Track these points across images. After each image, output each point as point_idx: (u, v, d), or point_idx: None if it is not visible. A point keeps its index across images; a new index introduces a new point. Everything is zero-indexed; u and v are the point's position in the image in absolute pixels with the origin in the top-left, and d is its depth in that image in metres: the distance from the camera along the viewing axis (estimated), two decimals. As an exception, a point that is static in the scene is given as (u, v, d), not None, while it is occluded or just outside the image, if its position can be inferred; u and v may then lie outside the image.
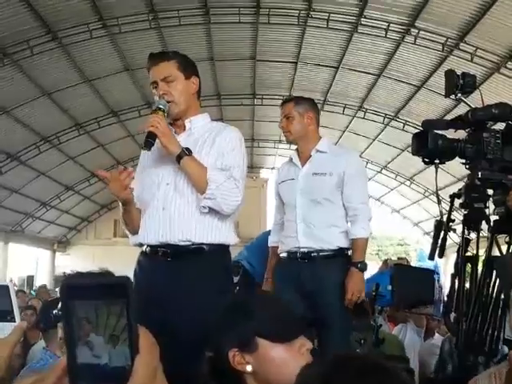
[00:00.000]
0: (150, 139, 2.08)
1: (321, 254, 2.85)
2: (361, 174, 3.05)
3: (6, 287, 0.89)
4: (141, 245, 2.28)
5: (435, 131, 2.42)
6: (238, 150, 2.27)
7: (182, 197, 2.20)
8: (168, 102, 2.20)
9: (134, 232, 2.29)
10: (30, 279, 17.72)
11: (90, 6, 9.83)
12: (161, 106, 2.16)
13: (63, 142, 14.37)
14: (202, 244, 2.19)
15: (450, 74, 2.51)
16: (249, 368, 1.36)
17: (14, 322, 0.88)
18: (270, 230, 3.53)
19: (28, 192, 16.07)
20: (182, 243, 2.17)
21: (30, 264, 20.61)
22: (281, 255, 3.01)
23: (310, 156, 2.97)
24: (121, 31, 10.67)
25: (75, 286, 0.54)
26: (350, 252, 2.93)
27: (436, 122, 2.71)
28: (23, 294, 8.97)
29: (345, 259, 2.90)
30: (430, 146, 2.36)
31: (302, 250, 2.87)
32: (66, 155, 15.29)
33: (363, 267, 2.83)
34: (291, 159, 3.09)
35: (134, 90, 12.96)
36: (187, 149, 2.15)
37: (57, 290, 16.74)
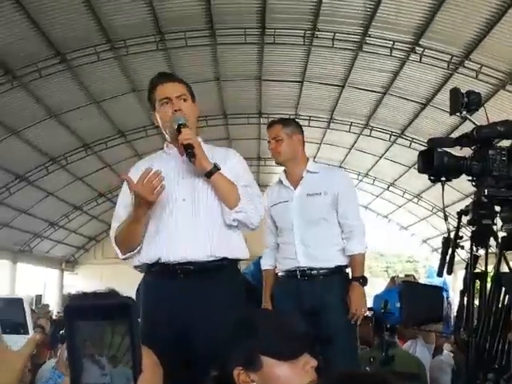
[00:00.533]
0: (191, 150, 2.12)
1: (320, 271, 2.87)
2: (353, 191, 3.11)
3: (21, 300, 0.91)
4: (151, 264, 2.23)
5: (441, 149, 2.43)
6: (248, 169, 2.39)
7: (203, 212, 2.22)
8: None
9: (132, 249, 2.24)
10: (39, 298, 17.71)
11: (97, 28, 9.97)
12: (185, 122, 2.21)
13: (71, 162, 14.48)
14: (224, 259, 2.21)
15: (454, 92, 2.53)
16: None
17: (28, 334, 0.90)
18: None
19: (36, 212, 16.15)
20: (207, 259, 2.18)
21: (38, 283, 20.61)
22: (279, 274, 3.01)
23: (302, 177, 2.99)
24: (128, 53, 10.80)
25: (78, 307, 0.55)
26: (347, 269, 2.95)
27: (442, 140, 2.72)
28: (34, 313, 8.90)
29: (343, 276, 2.93)
30: (436, 163, 2.36)
31: (301, 268, 2.87)
32: (73, 175, 15.38)
33: (364, 282, 2.84)
34: (281, 181, 3.10)
35: (140, 111, 13.05)
36: (216, 164, 2.19)
37: (65, 309, 16.71)
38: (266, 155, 18.10)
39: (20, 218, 15.77)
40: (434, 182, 2.53)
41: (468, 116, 2.53)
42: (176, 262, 2.18)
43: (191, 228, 2.20)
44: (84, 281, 20.39)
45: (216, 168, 2.18)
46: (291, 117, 14.89)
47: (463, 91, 2.49)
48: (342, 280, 2.90)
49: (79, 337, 0.53)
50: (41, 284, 20.74)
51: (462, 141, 2.50)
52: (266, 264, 3.17)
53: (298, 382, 1.38)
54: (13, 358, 0.86)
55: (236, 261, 2.30)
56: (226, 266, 2.23)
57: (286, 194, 3.04)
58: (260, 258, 3.58)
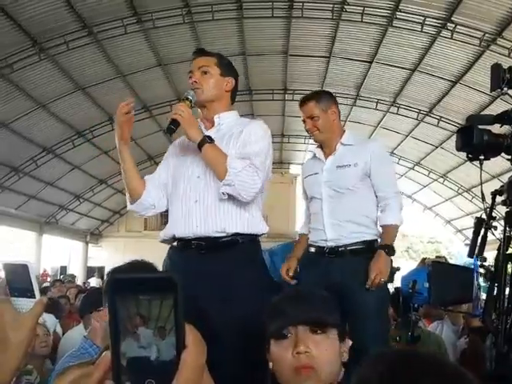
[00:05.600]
0: (171, 125, 2.13)
1: (349, 248, 2.79)
2: (386, 162, 2.94)
3: (26, 266, 0.94)
4: (173, 239, 2.27)
5: (481, 126, 2.36)
6: (261, 139, 2.29)
7: (214, 189, 2.20)
8: (196, 88, 2.26)
9: (131, 196, 2.33)
10: (63, 269, 18.10)
11: (124, 0, 9.94)
12: (189, 97, 2.22)
13: (96, 136, 14.60)
14: (237, 235, 2.20)
15: (496, 67, 2.45)
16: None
17: (34, 298, 0.93)
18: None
19: (62, 185, 16.41)
20: (217, 234, 2.18)
21: (63, 255, 21.05)
22: (309, 250, 2.97)
23: (335, 150, 2.93)
24: (155, 26, 10.76)
25: (124, 280, 0.53)
26: (377, 244, 2.88)
27: (482, 117, 2.65)
28: (61, 283, 9.05)
29: (373, 253, 2.83)
30: (475, 141, 2.31)
31: (329, 244, 2.83)
32: (99, 149, 15.53)
33: (391, 251, 2.75)
34: (315, 155, 3.06)
35: (166, 85, 13.06)
36: (209, 137, 2.17)
37: (89, 280, 17.08)
38: (289, 132, 18.02)
39: (46, 191, 16.03)
40: (472, 160, 2.47)
41: (509, 93, 2.45)
42: (190, 238, 2.20)
43: (203, 204, 2.21)
44: (107, 253, 20.76)
45: (205, 141, 2.15)
46: (317, 93, 14.78)
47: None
48: (371, 257, 2.83)
49: (124, 310, 0.52)
50: (65, 256, 21.17)
51: (503, 118, 2.42)
52: (301, 231, 3.14)
53: (287, 364, 1.36)
54: (23, 318, 0.90)
55: (252, 236, 2.27)
56: (239, 241, 2.21)
57: (317, 166, 2.99)
58: (285, 245, 3.56)
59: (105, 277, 11.65)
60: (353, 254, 2.79)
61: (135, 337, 0.52)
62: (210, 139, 2.16)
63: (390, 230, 2.80)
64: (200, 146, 2.15)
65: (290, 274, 2.89)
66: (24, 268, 0.94)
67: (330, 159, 2.93)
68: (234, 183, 2.13)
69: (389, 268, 2.74)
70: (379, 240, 2.86)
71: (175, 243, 2.28)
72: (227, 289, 2.11)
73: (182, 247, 2.24)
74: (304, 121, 2.95)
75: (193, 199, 2.22)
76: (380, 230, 2.90)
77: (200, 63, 2.30)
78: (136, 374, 0.52)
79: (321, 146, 3.02)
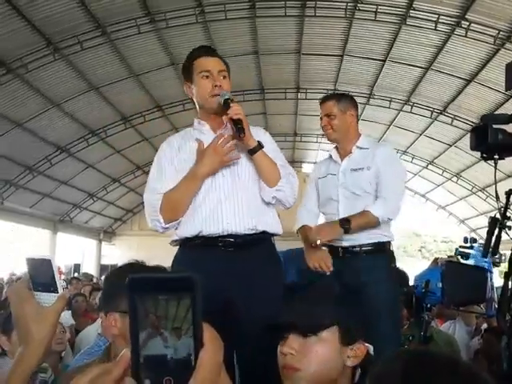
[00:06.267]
0: (241, 125, 2.11)
1: (363, 248, 2.80)
2: (392, 168, 2.89)
3: (49, 261, 0.96)
4: (195, 237, 2.21)
5: (495, 125, 2.34)
6: (279, 150, 2.38)
7: (242, 187, 2.21)
8: (216, 95, 2.22)
9: (177, 216, 2.20)
10: (77, 267, 18.22)
11: (138, 0, 9.98)
12: (231, 98, 2.18)
13: (110, 135, 14.70)
14: (264, 233, 2.21)
15: (511, 66, 2.43)
16: None
17: (57, 292, 0.95)
18: None
19: (76, 183, 16.53)
20: (248, 232, 2.17)
21: (76, 253, 21.19)
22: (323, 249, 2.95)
23: (351, 152, 2.94)
24: (168, 26, 10.79)
25: (143, 280, 0.54)
26: (391, 246, 2.88)
27: (496, 116, 2.62)
28: (77, 281, 9.08)
29: (387, 255, 2.85)
30: (490, 140, 2.29)
31: (344, 244, 2.83)
32: (112, 148, 15.63)
33: (345, 227, 2.68)
34: (330, 156, 3.06)
35: (178, 85, 13.06)
36: (260, 142, 2.19)
37: (102, 278, 17.18)
38: (302, 131, 17.99)
39: (60, 189, 16.17)
40: (486, 159, 2.45)
41: (525, 92, 2.43)
42: (217, 235, 2.18)
43: (232, 202, 2.20)
44: (121, 251, 20.87)
45: (260, 146, 2.18)
46: (329, 92, 14.75)
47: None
48: (385, 259, 2.83)
49: (142, 309, 0.53)
50: (79, 254, 21.32)
51: (518, 117, 2.40)
52: (302, 222, 3.03)
53: (279, 363, 1.41)
54: (46, 313, 0.92)
55: (272, 236, 2.30)
56: (264, 239, 2.24)
57: (333, 167, 3.01)
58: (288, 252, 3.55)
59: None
60: (366, 253, 2.80)
61: (154, 335, 0.53)
62: (261, 144, 2.19)
63: (364, 216, 2.74)
64: (255, 150, 2.17)
65: (329, 264, 2.76)
66: (47, 263, 0.96)
67: (346, 161, 2.95)
68: (285, 190, 2.21)
69: (332, 236, 2.72)
70: (392, 242, 2.87)
71: (194, 242, 2.21)
72: (255, 286, 2.11)
73: (205, 245, 2.19)
74: (321, 118, 2.96)
75: (221, 197, 2.20)
76: (393, 232, 2.91)
77: (220, 66, 2.26)
78: (155, 372, 0.53)
79: (337, 148, 3.03)
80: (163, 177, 2.25)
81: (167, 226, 2.21)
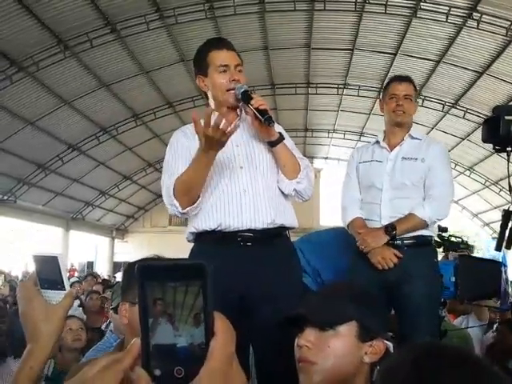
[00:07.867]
0: (268, 115, 2.06)
1: (405, 242, 2.68)
2: (445, 169, 2.81)
3: (55, 258, 0.95)
4: (213, 231, 2.16)
5: (507, 117, 2.30)
6: (293, 143, 2.34)
7: (260, 180, 2.18)
8: (231, 90, 2.17)
9: (193, 200, 2.11)
10: (90, 265, 18.38)
11: (147, -4, 10.02)
12: (250, 90, 2.15)
13: (121, 132, 14.76)
14: (282, 227, 2.19)
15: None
16: None
17: (64, 290, 0.95)
18: (332, 229, 3.45)
19: (88, 181, 16.64)
20: (267, 226, 2.14)
21: (89, 250, 21.36)
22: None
23: (402, 140, 2.84)
24: (177, 22, 10.79)
25: (151, 267, 0.53)
26: (433, 241, 2.81)
27: (508, 108, 2.58)
28: (92, 277, 9.04)
29: (430, 249, 2.77)
30: (502, 132, 2.25)
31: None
32: (123, 145, 15.69)
33: (391, 233, 2.62)
34: (378, 142, 2.93)
35: (188, 81, 13.08)
36: (281, 133, 2.16)
37: (115, 275, 17.29)
38: (313, 126, 17.93)
39: (72, 187, 16.28)
40: (499, 151, 2.41)
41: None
42: (236, 230, 2.13)
43: (251, 195, 2.15)
44: (133, 248, 21.00)
45: (282, 137, 2.15)
46: (340, 87, 14.66)
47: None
48: (428, 253, 2.73)
49: (151, 297, 0.52)
50: (92, 251, 21.48)
51: (531, 108, 2.36)
52: (353, 214, 2.87)
53: (296, 355, 1.42)
54: (53, 310, 0.93)
55: (289, 229, 2.27)
56: (282, 233, 2.21)
57: (380, 154, 2.87)
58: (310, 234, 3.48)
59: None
60: (409, 248, 2.67)
61: (164, 324, 0.52)
62: (282, 136, 2.17)
63: (411, 220, 2.66)
64: (277, 142, 2.15)
65: (394, 260, 2.65)
66: (54, 260, 0.95)
67: (396, 149, 2.81)
68: (304, 182, 2.19)
69: (377, 245, 2.64)
70: (436, 238, 2.79)
71: (210, 236, 2.16)
72: (273, 283, 2.08)
73: (221, 239, 2.15)
74: (392, 97, 2.81)
75: (241, 189, 2.15)
76: (436, 228, 2.82)
77: (237, 60, 2.20)
78: (165, 362, 0.52)
79: (385, 133, 2.93)
80: (179, 161, 2.21)
81: (184, 210, 2.12)
